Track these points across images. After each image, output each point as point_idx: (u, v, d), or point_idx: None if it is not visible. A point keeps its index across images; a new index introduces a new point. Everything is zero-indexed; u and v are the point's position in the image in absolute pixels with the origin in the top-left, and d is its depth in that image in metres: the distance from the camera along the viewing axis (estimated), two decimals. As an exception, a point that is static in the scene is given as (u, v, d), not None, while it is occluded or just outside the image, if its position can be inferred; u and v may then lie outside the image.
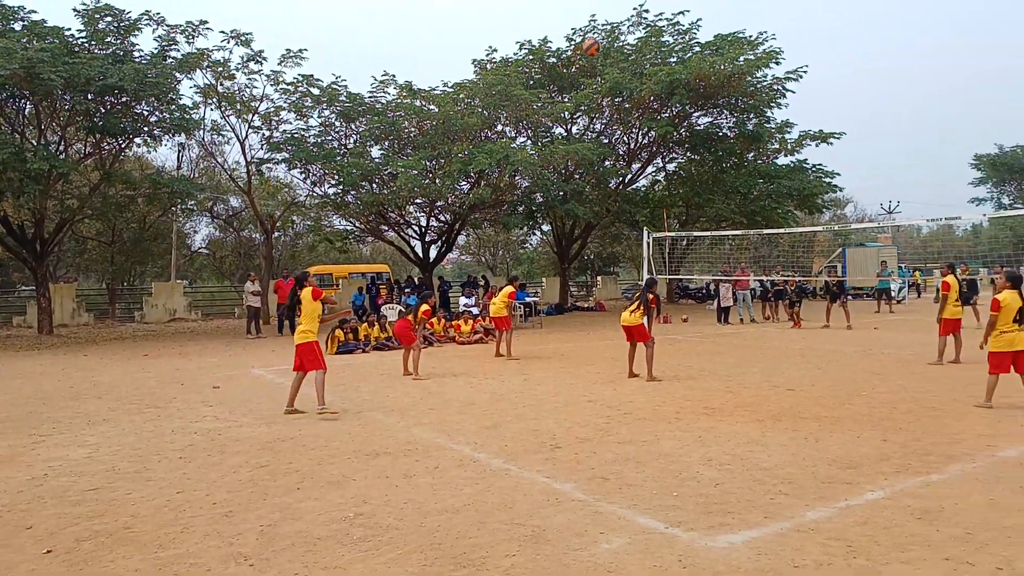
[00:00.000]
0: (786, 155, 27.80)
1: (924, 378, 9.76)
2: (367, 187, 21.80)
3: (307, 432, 7.25)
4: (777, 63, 23.18)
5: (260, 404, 8.96)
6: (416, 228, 25.55)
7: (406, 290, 21.88)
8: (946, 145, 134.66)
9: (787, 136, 27.15)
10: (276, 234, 29.75)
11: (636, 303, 10.28)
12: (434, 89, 22.49)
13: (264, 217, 24.85)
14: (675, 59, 23.82)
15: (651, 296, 10.40)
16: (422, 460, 6.04)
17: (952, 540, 4.04)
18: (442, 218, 25.05)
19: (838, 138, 26.35)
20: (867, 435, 6.56)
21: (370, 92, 22.14)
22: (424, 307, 11.93)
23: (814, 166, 27.23)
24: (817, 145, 26.78)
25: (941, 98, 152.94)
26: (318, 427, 7.48)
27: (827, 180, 27.07)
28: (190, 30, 19.63)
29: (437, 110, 21.31)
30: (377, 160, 21.85)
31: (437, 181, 20.68)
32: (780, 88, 24.36)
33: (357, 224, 24.71)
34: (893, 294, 25.33)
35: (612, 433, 6.89)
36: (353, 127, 22.53)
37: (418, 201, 22.68)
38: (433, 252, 25.94)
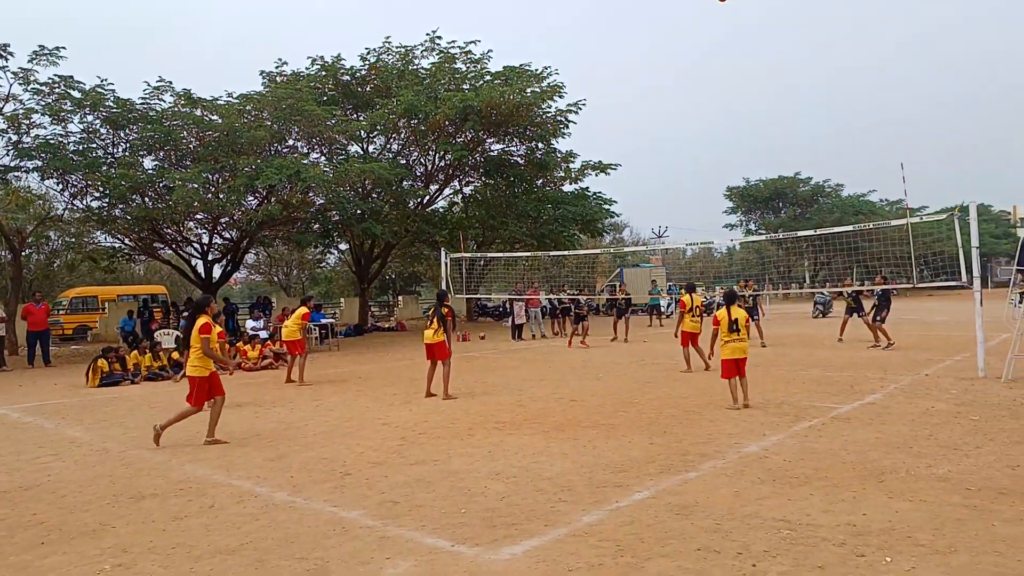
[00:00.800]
0: (571, 183, 29.76)
1: (685, 385, 10.87)
2: (138, 200, 19.84)
3: (58, 478, 6.39)
4: (560, 96, 24.83)
5: (-2, 449, 7.74)
6: (197, 246, 23.71)
7: (184, 314, 20.17)
8: (707, 177, 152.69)
9: (571, 165, 29.06)
10: (26, 252, 26.03)
11: (434, 319, 10.37)
12: (217, 99, 21.12)
13: (11, 233, 21.63)
14: (468, 86, 24.59)
15: (445, 309, 10.55)
16: (195, 500, 5.57)
17: (703, 531, 4.52)
18: (227, 235, 23.49)
19: (615, 168, 28.76)
20: (637, 439, 7.16)
21: (143, 99, 20.27)
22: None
23: (595, 193, 29.50)
24: (596, 175, 29.01)
25: (701, 137, 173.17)
26: (71, 471, 6.62)
27: (606, 206, 29.46)
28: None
29: (220, 121, 20.02)
30: (150, 171, 20.00)
31: (221, 196, 19.37)
32: (564, 120, 26.07)
33: (127, 241, 22.38)
34: (662, 310, 28.11)
35: (405, 455, 6.86)
36: (122, 135, 20.42)
37: (199, 217, 21.07)
38: (217, 272, 24.22)
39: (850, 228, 15.09)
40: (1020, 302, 10.41)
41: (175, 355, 15.19)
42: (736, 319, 8.74)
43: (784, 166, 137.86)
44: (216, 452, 7.26)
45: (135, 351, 14.70)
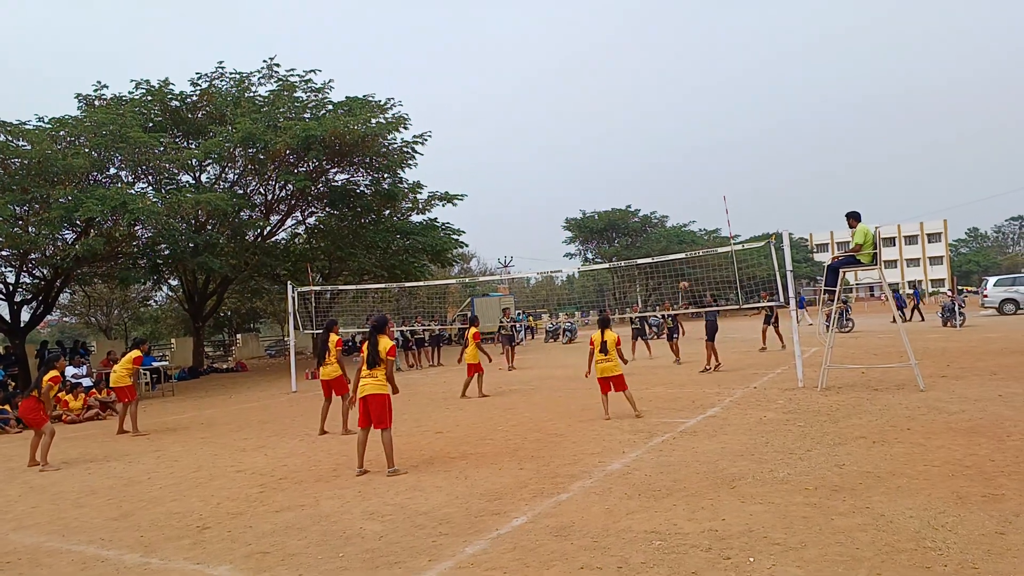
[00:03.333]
0: (419, 213, 29.82)
1: (544, 410, 11.17)
2: (-74, 235, 17.33)
3: None
4: (406, 128, 24.92)
5: None
6: (2, 285, 21.08)
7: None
8: (548, 208, 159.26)
9: (419, 196, 29.16)
10: None
11: (322, 353, 10.53)
12: (25, 123, 19.06)
13: None
14: (309, 115, 24.03)
15: (336, 339, 10.75)
16: (28, 571, 4.93)
17: (583, 550, 4.68)
18: (38, 273, 21.11)
19: (461, 199, 29.22)
20: (507, 466, 7.27)
21: (-68, 120, 17.86)
22: (52, 373, 9.68)
23: (443, 224, 29.75)
24: (444, 205, 29.31)
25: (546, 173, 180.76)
26: None
27: (455, 237, 29.80)
28: None
29: (30, 147, 18.06)
30: (-58, 202, 17.56)
31: (31, 230, 17.41)
32: (410, 151, 26.14)
33: (-89, 282, 19.46)
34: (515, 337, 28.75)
35: (267, 502, 6.49)
36: (-97, 160, 17.83)
37: (4, 253, 18.78)
38: (26, 314, 21.63)
39: (682, 256, 16.28)
40: (837, 318, 11.86)
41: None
42: (606, 341, 9.61)
43: (615, 199, 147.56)
44: (46, 516, 6.47)
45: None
